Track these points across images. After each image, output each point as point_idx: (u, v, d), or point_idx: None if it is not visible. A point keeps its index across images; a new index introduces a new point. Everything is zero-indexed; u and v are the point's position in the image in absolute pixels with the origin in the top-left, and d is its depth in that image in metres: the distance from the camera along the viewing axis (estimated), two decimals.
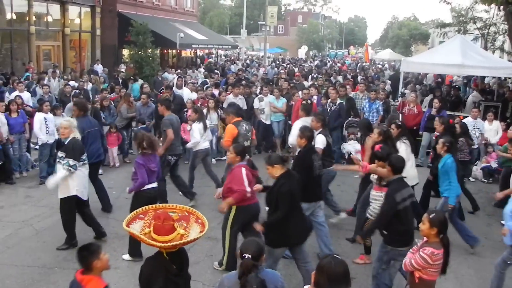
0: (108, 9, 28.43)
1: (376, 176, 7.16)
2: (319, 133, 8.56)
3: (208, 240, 8.12)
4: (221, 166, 12.11)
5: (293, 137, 8.29)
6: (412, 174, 8.48)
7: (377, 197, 7.01)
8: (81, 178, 7.78)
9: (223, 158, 13.06)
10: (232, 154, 7.06)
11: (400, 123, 8.96)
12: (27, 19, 23.02)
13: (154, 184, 7.50)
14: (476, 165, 12.36)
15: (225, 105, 13.24)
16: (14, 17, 22.78)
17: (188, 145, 10.48)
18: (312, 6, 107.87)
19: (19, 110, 11.61)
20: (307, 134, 7.52)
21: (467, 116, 12.82)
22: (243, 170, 6.86)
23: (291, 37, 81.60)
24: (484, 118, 12.88)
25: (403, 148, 8.46)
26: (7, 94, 14.62)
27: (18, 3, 22.61)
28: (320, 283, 3.76)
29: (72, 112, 9.76)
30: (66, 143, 7.71)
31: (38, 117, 11.14)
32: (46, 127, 11.03)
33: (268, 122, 13.68)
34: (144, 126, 12.47)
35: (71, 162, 7.57)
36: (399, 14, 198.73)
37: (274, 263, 6.26)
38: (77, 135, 7.89)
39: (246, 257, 4.03)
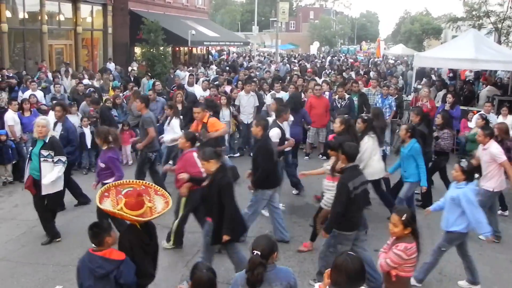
0: (119, 7, 28.51)
1: (329, 166, 7.30)
2: (273, 127, 8.79)
3: None
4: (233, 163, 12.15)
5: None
6: (379, 168, 8.73)
7: (329, 187, 7.18)
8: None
9: (235, 155, 13.08)
10: (183, 139, 7.46)
11: (366, 117, 8.99)
12: (40, 18, 23.14)
13: None
14: None
15: (237, 102, 13.24)
16: (27, 16, 22.90)
17: (166, 138, 10.46)
18: (324, 2, 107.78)
19: (32, 109, 11.68)
20: (262, 123, 7.82)
21: (480, 111, 12.68)
22: (195, 154, 7.18)
23: (302, 33, 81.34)
24: (498, 113, 12.74)
25: (371, 142, 8.60)
26: (20, 93, 14.71)
27: (31, 3, 22.74)
28: (338, 282, 3.73)
29: (56, 112, 9.70)
30: (47, 141, 7.71)
31: (52, 116, 11.18)
32: None
33: None
34: (157, 124, 12.47)
35: (63, 158, 7.80)
36: (411, 8, 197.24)
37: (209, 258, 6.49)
38: (53, 132, 8.11)
39: (255, 253, 4.06)
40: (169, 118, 10.61)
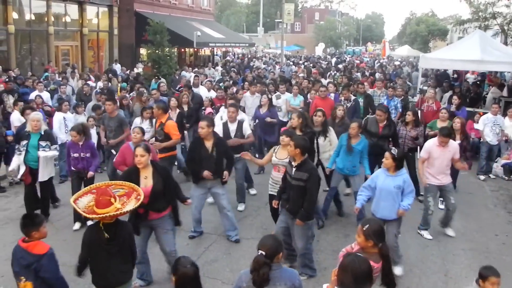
0: (125, 8, 28.62)
1: (284, 159, 7.40)
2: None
3: (226, 239, 8.14)
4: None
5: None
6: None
7: (278, 178, 7.48)
8: None
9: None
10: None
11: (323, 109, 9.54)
12: (46, 19, 23.27)
13: None
14: (496, 162, 12.19)
15: (242, 103, 13.23)
16: (33, 17, 23.04)
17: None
18: (329, 3, 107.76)
19: (38, 110, 11.70)
20: (210, 120, 8.18)
21: (487, 112, 12.65)
22: (131, 144, 7.86)
23: (308, 34, 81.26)
24: (504, 114, 12.71)
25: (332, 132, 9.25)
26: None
27: (37, 4, 22.87)
28: (344, 283, 3.73)
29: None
30: (43, 133, 8.65)
31: (57, 116, 11.25)
32: (65, 126, 11.12)
33: (285, 119, 13.61)
34: None
35: (57, 147, 8.99)
36: (417, 10, 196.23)
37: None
38: (45, 127, 9.00)
39: (259, 253, 4.08)
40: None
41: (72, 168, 8.57)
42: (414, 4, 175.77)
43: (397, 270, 6.89)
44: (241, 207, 9.65)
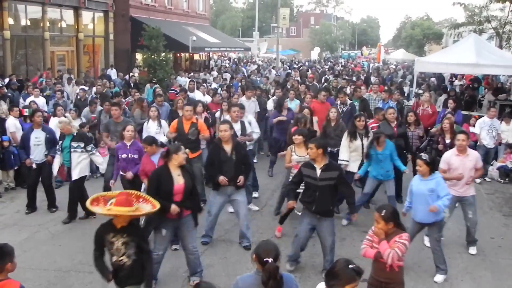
0: (121, 13, 28.56)
1: (305, 156, 7.66)
2: None
3: (222, 243, 8.14)
4: None
5: None
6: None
7: None
8: None
9: None
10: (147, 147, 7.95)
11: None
12: (41, 25, 23.20)
13: None
14: (492, 165, 12.23)
15: None
16: (29, 23, 22.98)
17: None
18: (324, 7, 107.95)
19: None
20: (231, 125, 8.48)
21: (482, 116, 12.68)
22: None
23: (303, 38, 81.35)
24: (499, 118, 12.73)
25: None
26: (21, 100, 14.74)
27: (33, 9, 22.82)
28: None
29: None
30: (75, 135, 9.06)
31: (53, 122, 11.22)
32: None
33: None
34: None
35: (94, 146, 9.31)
36: (412, 13, 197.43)
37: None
38: (75, 129, 9.29)
39: (270, 261, 4.03)
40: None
41: (121, 173, 8.43)
42: (409, 8, 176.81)
43: (437, 278, 7.00)
44: (255, 194, 10.28)
